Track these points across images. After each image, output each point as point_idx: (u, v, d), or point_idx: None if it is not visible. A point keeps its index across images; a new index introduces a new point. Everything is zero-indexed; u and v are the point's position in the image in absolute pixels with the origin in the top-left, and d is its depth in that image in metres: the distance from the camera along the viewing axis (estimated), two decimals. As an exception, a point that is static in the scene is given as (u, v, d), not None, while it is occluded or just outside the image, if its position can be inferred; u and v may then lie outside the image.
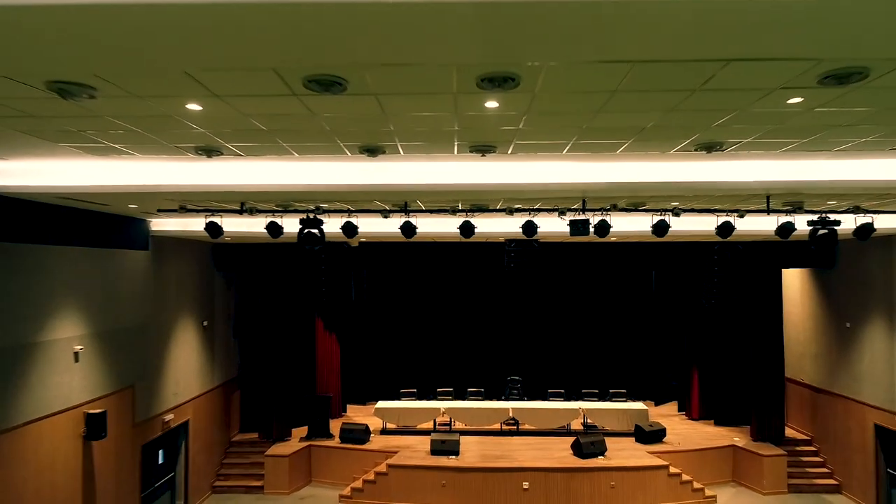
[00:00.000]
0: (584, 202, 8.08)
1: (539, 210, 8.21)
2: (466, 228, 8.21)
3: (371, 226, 9.07)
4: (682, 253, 14.96)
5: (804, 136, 5.73)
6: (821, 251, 7.96)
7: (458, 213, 8.14)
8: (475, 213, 8.32)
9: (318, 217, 8.19)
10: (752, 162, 6.81)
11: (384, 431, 15.57)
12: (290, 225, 8.66)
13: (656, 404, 18.19)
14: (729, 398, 16.16)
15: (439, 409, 15.46)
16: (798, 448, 14.82)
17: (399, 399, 16.67)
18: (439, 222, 9.73)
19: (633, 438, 14.74)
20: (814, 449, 14.82)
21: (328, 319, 17.00)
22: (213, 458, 14.30)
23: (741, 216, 8.12)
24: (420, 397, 17.33)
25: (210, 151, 6.23)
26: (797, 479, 14.08)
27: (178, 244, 12.48)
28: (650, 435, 14.48)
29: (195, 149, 6.16)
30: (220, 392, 14.59)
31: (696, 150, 6.20)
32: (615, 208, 8.06)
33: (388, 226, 8.46)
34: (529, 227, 8.21)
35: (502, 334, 18.51)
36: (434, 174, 6.87)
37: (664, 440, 14.61)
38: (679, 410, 17.41)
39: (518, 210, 8.23)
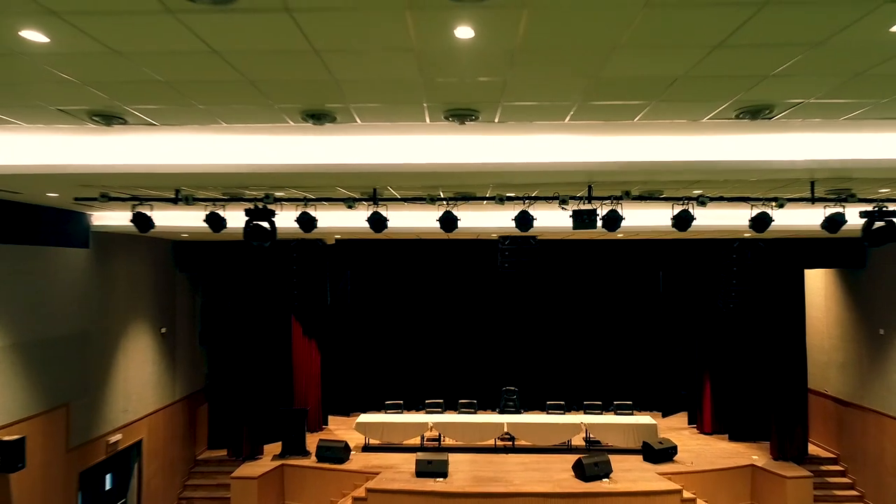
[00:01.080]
0: (590, 189, 6.67)
1: (536, 199, 6.79)
2: (448, 221, 6.79)
3: (334, 219, 7.65)
4: (693, 251, 13.58)
5: (885, 93, 4.33)
6: (873, 246, 6.55)
7: (437, 203, 6.72)
8: (459, 203, 6.90)
9: (269, 207, 6.77)
10: (803, 135, 5.40)
11: (366, 448, 14.14)
12: (239, 218, 7.24)
13: (664, 415, 16.79)
14: (745, 410, 14.75)
15: (427, 423, 14.04)
16: (823, 468, 13.41)
17: (384, 411, 15.28)
18: (416, 215, 8.31)
19: (641, 457, 13.31)
20: (841, 469, 13.41)
21: (307, 324, 15.58)
22: (175, 480, 12.87)
23: (780, 206, 6.70)
24: (408, 407, 16.05)
25: (108, 118, 4.81)
26: (823, 502, 12.67)
27: (129, 241, 11.05)
28: (660, 453, 13.06)
29: (88, 114, 4.75)
30: (182, 406, 13.16)
31: (737, 115, 4.79)
32: (627, 196, 6.65)
33: (353, 219, 7.03)
34: (524, 220, 6.80)
35: (497, 341, 17.09)
36: (402, 151, 5.45)
37: (675, 459, 13.19)
38: (689, 423, 15.99)
39: (510, 199, 6.81)
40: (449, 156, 5.47)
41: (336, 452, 13.22)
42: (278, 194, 7.02)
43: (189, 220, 8.90)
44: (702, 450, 14.04)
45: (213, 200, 6.92)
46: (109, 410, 10.45)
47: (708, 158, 5.43)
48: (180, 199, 6.79)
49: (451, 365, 17.08)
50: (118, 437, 10.62)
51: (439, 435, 14.19)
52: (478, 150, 5.47)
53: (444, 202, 6.81)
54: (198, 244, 13.12)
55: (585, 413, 14.85)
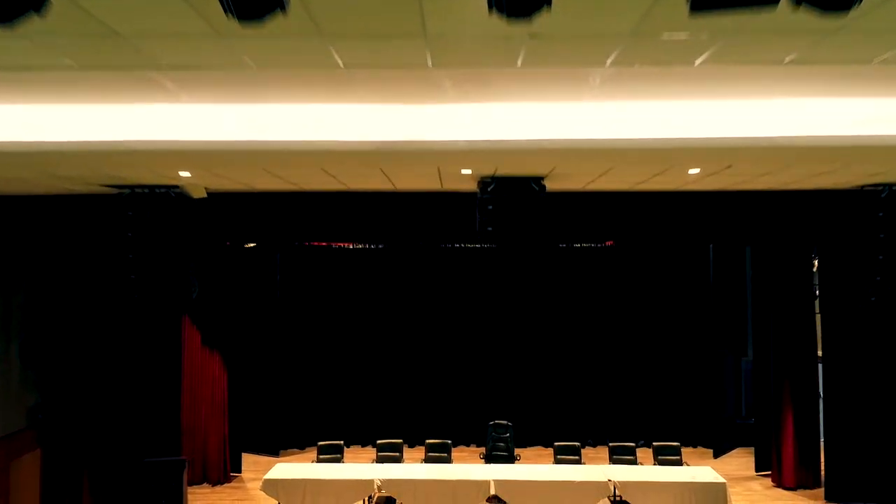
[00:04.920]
0: None
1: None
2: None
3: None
4: (763, 213, 8.81)
5: None
6: None
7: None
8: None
9: None
10: None
11: (282, 517, 9.31)
12: None
13: (716, 455, 11.99)
14: (851, 454, 9.92)
15: (373, 480, 9.15)
16: None
17: (317, 455, 10.38)
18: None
19: (703, 535, 8.51)
20: None
21: (209, 329, 10.79)
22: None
23: None
24: (362, 442, 11.80)
25: None
26: None
27: None
28: (737, 534, 8.25)
29: None
30: (-22, 461, 8.28)
31: None
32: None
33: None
34: None
35: (480, 352, 12.31)
36: None
37: (758, 540, 8.40)
38: (758, 470, 11.13)
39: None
40: None
41: (224, 533, 8.41)
42: None
43: None
44: (791, 520, 9.25)
45: None
46: None
47: None
48: None
49: (416, 385, 12.38)
50: None
51: (393, 500, 9.32)
52: None
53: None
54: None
55: (612, 460, 10.00)
